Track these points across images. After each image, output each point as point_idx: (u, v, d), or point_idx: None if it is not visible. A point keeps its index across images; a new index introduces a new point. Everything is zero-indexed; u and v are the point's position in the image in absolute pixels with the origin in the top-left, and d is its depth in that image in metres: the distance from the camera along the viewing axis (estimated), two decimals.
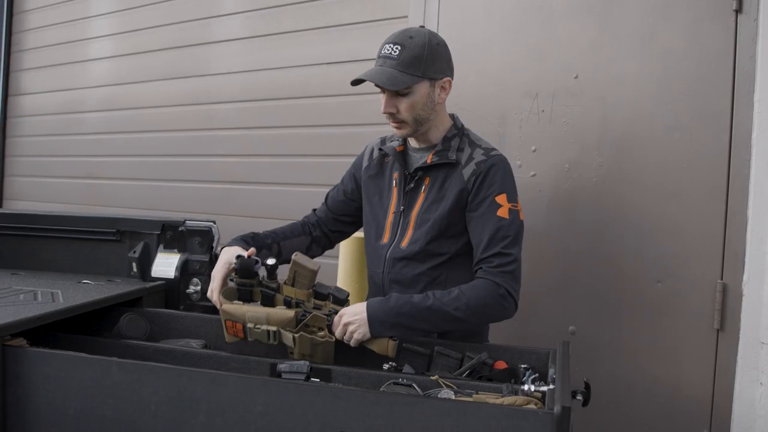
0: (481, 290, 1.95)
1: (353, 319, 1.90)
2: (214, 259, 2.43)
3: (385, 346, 1.89)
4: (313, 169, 3.51)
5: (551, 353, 1.89)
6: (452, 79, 2.08)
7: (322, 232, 2.32)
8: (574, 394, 1.60)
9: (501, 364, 1.90)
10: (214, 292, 1.99)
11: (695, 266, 2.38)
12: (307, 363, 1.71)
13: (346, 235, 2.39)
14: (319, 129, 3.52)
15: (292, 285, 1.91)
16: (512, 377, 1.84)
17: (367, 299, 2.32)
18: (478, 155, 2.05)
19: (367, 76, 2.00)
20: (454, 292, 1.94)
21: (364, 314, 1.90)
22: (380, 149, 2.20)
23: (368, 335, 1.89)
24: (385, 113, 2.05)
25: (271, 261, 1.92)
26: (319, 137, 3.51)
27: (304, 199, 3.02)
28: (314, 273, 1.93)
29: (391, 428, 1.39)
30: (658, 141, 2.44)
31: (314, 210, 2.36)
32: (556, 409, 1.31)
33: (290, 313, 1.89)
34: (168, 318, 2.18)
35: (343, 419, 1.41)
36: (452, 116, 2.16)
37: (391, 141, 2.20)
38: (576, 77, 2.58)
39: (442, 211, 2.04)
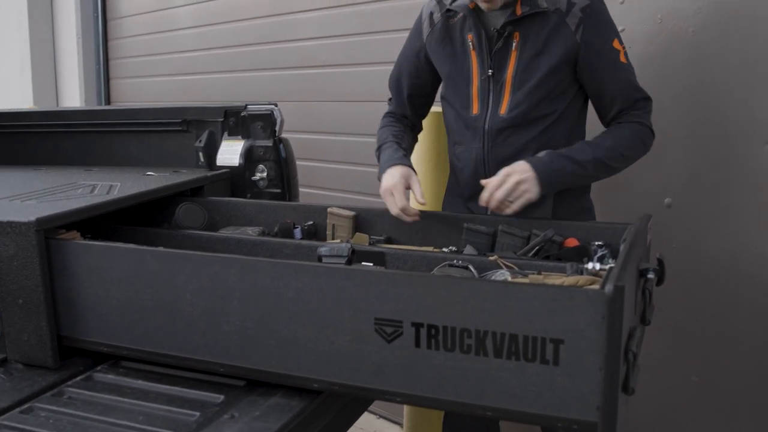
0: (633, 137, 1.90)
1: (524, 177, 1.76)
2: (277, 143, 2.34)
3: None
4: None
5: (628, 228, 1.68)
6: None
7: (411, 123, 2.18)
8: (643, 272, 1.42)
9: (572, 242, 1.73)
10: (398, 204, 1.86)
11: None
12: (349, 245, 1.60)
13: (427, 111, 2.22)
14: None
15: (332, 238, 1.97)
16: (583, 256, 1.66)
17: (448, 182, 2.16)
18: None
19: None
20: (608, 141, 1.87)
21: (532, 173, 1.77)
22: (448, 10, 1.95)
23: (535, 198, 1.78)
24: None
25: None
26: (409, 9, 3.25)
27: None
28: (352, 220, 1.96)
29: (427, 313, 1.27)
30: None
31: (389, 101, 2.19)
32: (608, 288, 1.13)
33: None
34: (227, 206, 2.11)
35: (375, 303, 1.30)
36: None
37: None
38: None
39: (549, 67, 1.83)
